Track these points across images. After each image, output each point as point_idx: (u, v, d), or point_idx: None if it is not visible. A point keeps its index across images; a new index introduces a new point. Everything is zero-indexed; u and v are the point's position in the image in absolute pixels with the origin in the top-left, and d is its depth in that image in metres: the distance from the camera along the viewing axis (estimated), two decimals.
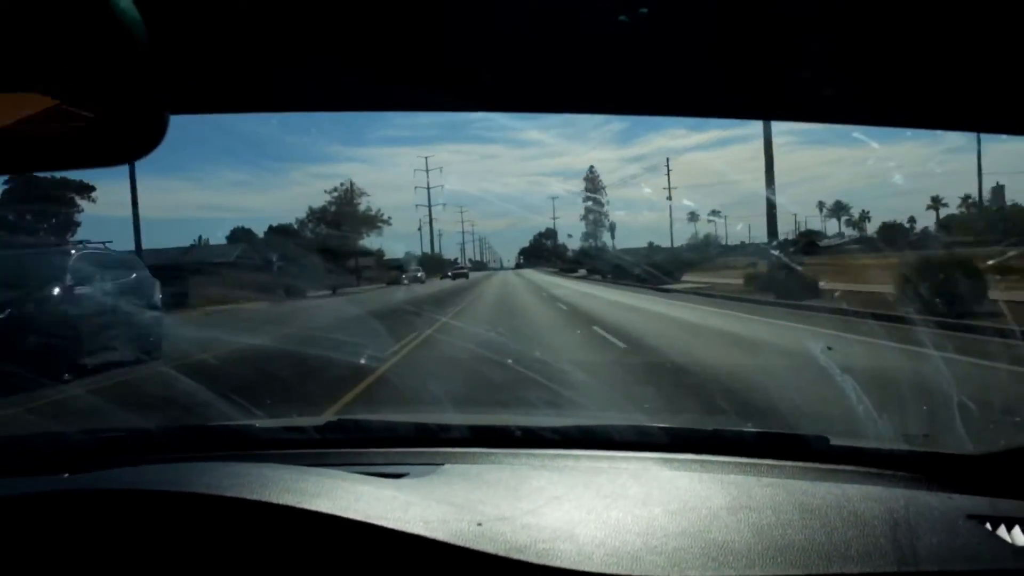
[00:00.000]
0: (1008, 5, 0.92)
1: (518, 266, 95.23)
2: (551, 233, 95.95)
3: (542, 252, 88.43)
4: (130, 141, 0.84)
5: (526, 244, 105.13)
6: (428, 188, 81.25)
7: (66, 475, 1.43)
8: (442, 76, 1.09)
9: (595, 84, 1.13)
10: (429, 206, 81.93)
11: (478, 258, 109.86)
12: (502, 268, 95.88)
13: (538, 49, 1.03)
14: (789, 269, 16.87)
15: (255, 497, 1.21)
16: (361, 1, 0.93)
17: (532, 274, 61.27)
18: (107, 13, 0.73)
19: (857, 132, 1.43)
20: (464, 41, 1.01)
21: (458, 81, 1.11)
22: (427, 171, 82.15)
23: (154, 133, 0.84)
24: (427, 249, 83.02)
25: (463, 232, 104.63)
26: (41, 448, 1.84)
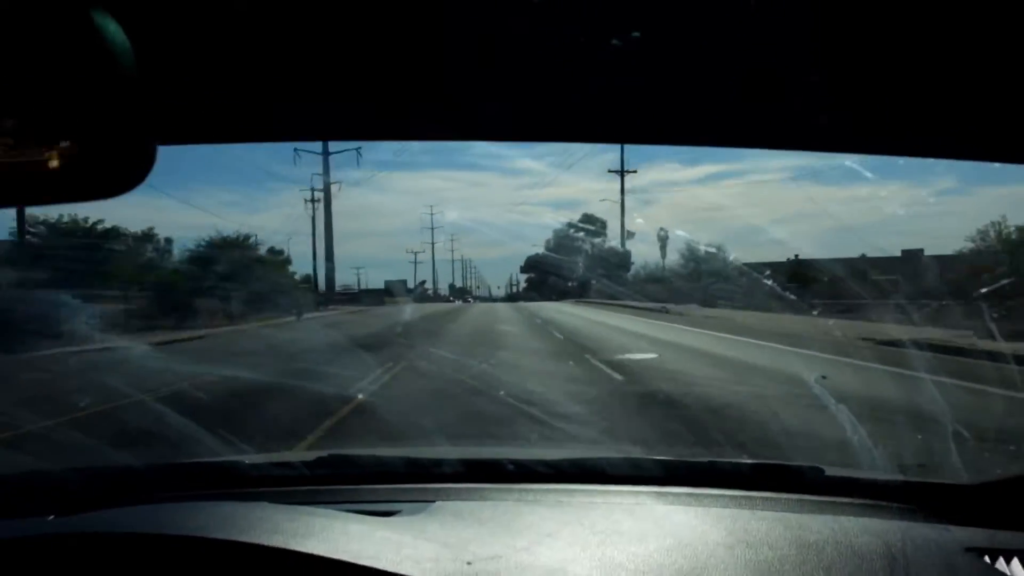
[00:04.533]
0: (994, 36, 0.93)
1: (511, 296, 64.37)
2: (590, 222, 45.18)
3: (571, 266, 39.45)
4: (118, 172, 0.82)
5: (526, 264, 60.42)
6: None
7: (51, 517, 1.40)
8: (439, 107, 1.08)
9: (590, 112, 1.13)
10: (326, 173, 44.26)
11: (460, 284, 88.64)
12: (491, 298, 68.51)
13: (535, 79, 1.03)
14: None
15: (245, 539, 1.18)
16: (356, 31, 0.92)
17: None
18: (95, 41, 0.72)
19: (850, 161, 1.43)
20: (462, 72, 1.01)
21: (456, 111, 1.11)
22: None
23: (143, 164, 0.82)
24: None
25: (432, 243, 76.89)
26: (26, 487, 1.79)
